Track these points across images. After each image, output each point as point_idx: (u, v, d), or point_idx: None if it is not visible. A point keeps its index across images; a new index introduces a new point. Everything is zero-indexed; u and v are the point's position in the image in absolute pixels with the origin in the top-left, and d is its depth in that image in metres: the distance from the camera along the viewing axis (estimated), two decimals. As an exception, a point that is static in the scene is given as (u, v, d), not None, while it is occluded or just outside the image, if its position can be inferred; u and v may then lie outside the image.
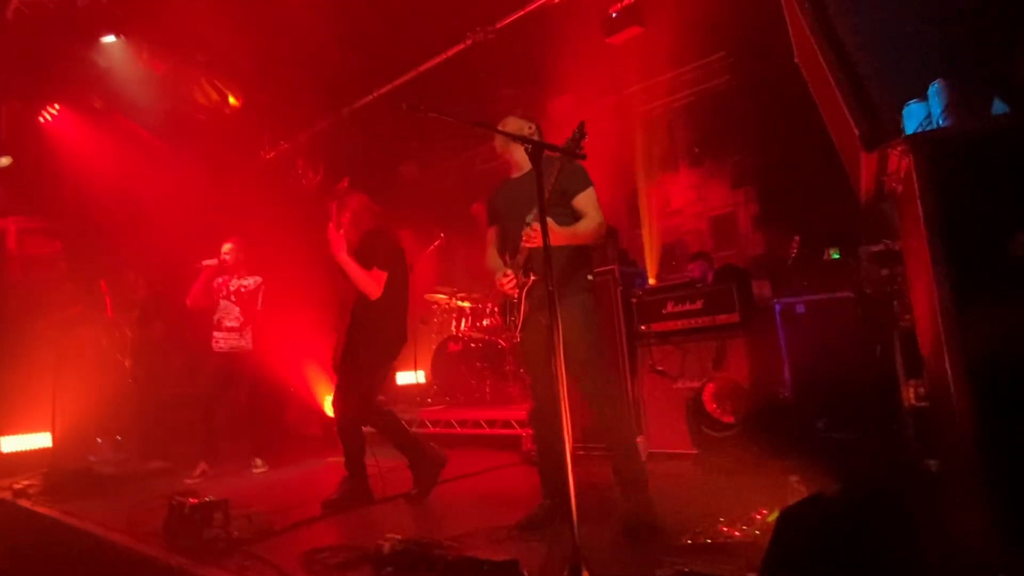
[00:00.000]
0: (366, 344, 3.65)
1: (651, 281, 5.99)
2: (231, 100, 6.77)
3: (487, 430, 5.33)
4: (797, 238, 4.64)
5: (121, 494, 4.51)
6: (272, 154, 8.07)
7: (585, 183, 2.79)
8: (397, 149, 8.06)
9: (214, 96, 6.66)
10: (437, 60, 6.23)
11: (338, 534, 3.13)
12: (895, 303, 2.63)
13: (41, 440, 5.98)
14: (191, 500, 2.94)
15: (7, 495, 4.68)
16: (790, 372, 4.02)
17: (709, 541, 2.36)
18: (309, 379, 6.92)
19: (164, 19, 5.75)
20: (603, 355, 2.85)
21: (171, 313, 6.36)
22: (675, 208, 7.01)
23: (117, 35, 5.95)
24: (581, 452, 4.20)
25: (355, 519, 3.36)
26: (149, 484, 4.80)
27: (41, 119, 6.73)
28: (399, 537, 2.36)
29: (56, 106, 6.71)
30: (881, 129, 1.93)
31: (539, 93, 6.03)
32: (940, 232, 1.58)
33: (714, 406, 3.79)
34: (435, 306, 6.81)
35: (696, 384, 3.99)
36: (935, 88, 1.88)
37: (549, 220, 2.54)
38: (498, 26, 5.73)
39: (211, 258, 5.06)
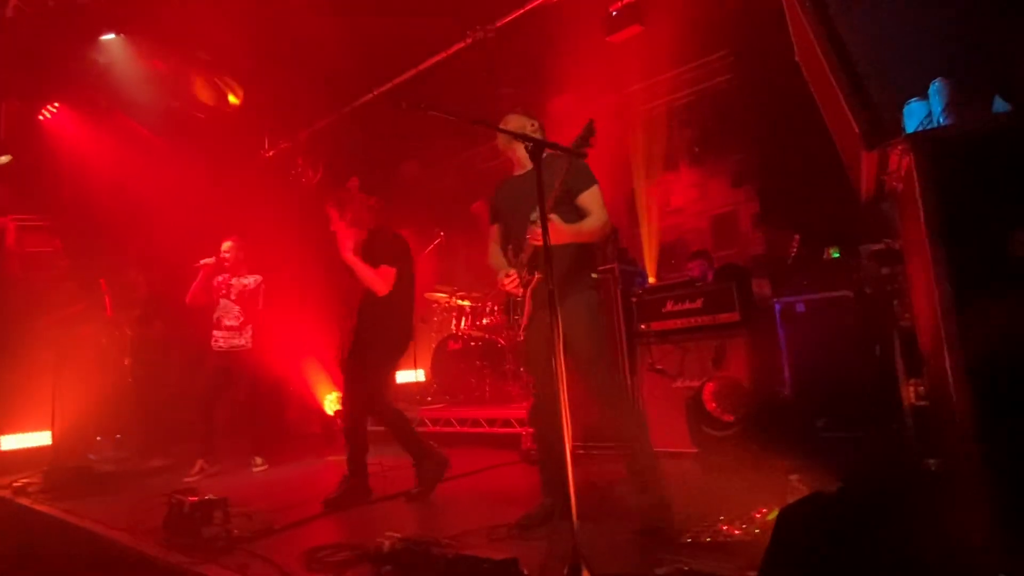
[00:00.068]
0: (374, 341, 3.67)
1: (651, 280, 5.98)
2: (231, 98, 6.77)
3: (487, 429, 5.33)
4: (797, 237, 4.65)
5: (121, 492, 4.51)
6: (272, 152, 8.07)
7: (589, 181, 2.79)
8: (397, 148, 8.05)
9: (214, 94, 6.66)
10: (437, 58, 6.22)
11: (338, 532, 3.14)
12: (895, 302, 2.63)
13: (41, 438, 5.98)
14: (191, 498, 2.94)
15: (7, 493, 4.69)
16: (790, 371, 4.02)
17: (709, 540, 2.36)
18: (309, 377, 6.93)
19: (164, 17, 5.74)
20: (611, 353, 2.84)
21: (171, 312, 6.36)
22: (675, 207, 7.01)
23: (117, 33, 5.95)
24: (581, 451, 4.20)
25: (355, 517, 3.36)
26: (149, 482, 4.81)
27: (41, 117, 6.72)
28: (399, 535, 2.36)
29: (56, 104, 6.71)
30: (882, 128, 1.92)
31: (539, 92, 6.02)
32: (940, 231, 1.58)
33: (714, 405, 3.79)
34: (435, 305, 6.82)
35: (696, 383, 3.99)
36: (936, 87, 1.88)
37: (555, 218, 2.55)
38: (498, 25, 5.72)
39: (209, 257, 5.06)
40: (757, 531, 2.34)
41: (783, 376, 4.03)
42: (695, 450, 3.81)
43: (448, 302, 6.61)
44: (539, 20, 5.51)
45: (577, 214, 2.77)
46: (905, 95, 1.96)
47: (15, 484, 4.76)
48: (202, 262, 5.05)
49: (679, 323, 4.23)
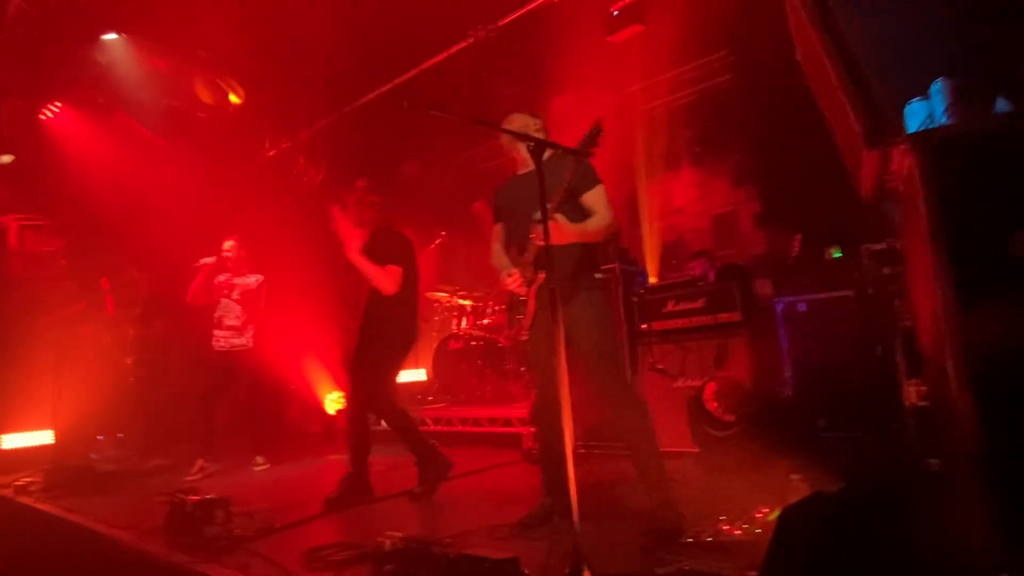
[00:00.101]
0: (381, 340, 3.68)
1: (652, 280, 5.98)
2: (232, 98, 6.77)
3: (488, 428, 5.33)
4: (798, 237, 4.64)
5: (122, 491, 4.52)
6: (273, 152, 8.07)
7: (594, 180, 2.78)
8: (398, 147, 8.05)
9: (215, 94, 6.66)
10: (439, 58, 6.22)
11: (339, 531, 3.14)
12: (896, 302, 2.63)
13: (43, 437, 6.00)
14: (192, 497, 2.95)
15: (9, 492, 4.70)
16: (791, 371, 4.02)
17: (710, 539, 2.36)
18: (310, 377, 6.93)
19: (165, 16, 5.74)
20: (617, 353, 2.82)
21: (173, 311, 6.36)
22: (676, 207, 7.01)
23: (118, 32, 5.96)
24: (582, 450, 4.20)
25: (356, 516, 3.36)
26: (150, 482, 4.82)
27: (42, 116, 6.73)
28: (400, 534, 2.35)
29: (57, 104, 6.72)
30: (883, 127, 1.92)
31: (540, 91, 6.03)
32: (942, 231, 1.58)
33: (715, 405, 3.79)
34: (436, 304, 6.82)
35: (697, 383, 3.99)
36: (937, 86, 1.88)
37: (561, 217, 2.55)
38: (500, 24, 5.72)
39: (210, 256, 5.06)
40: (758, 531, 2.34)
41: (784, 376, 4.03)
42: (696, 450, 3.81)
43: (449, 301, 6.62)
44: (541, 20, 5.51)
45: (582, 213, 2.76)
46: (907, 94, 1.96)
47: (17, 483, 4.77)
48: (202, 261, 5.05)
49: (680, 323, 4.23)
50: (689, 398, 3.90)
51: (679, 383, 4.18)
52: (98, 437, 6.15)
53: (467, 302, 6.47)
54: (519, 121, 2.90)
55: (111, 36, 5.95)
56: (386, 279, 3.60)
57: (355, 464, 3.64)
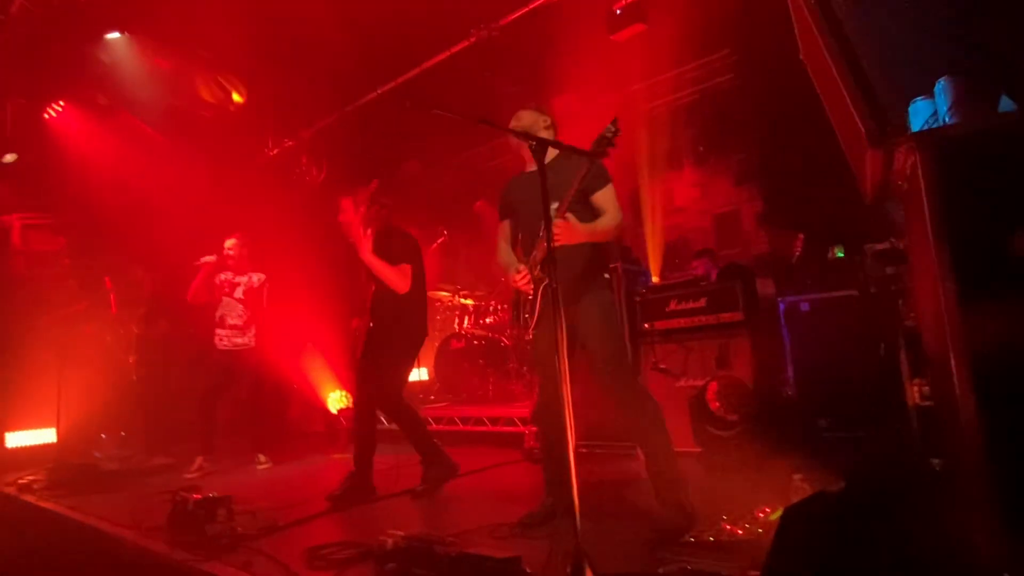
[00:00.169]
0: (391, 339, 3.70)
1: (654, 279, 5.98)
2: (235, 97, 6.78)
3: (490, 427, 5.34)
4: (801, 236, 4.64)
5: (125, 490, 4.53)
6: (276, 151, 8.09)
7: (604, 180, 2.76)
8: (400, 147, 8.06)
9: (218, 93, 6.67)
10: (441, 57, 6.22)
11: (342, 530, 3.14)
12: (899, 301, 2.63)
13: (46, 436, 6.01)
14: (195, 496, 2.95)
15: (12, 490, 4.71)
16: (794, 370, 4.02)
17: (712, 539, 2.36)
18: (312, 375, 6.94)
19: (168, 16, 5.76)
20: (625, 353, 2.81)
21: (176, 310, 6.37)
22: (679, 206, 7.01)
23: (122, 32, 5.97)
24: (584, 450, 4.20)
25: (359, 515, 3.37)
26: (153, 480, 4.83)
27: (46, 116, 6.75)
28: (402, 533, 2.36)
29: (61, 103, 6.73)
30: (887, 126, 1.92)
31: (541, 91, 6.02)
32: (945, 230, 1.58)
33: (717, 404, 3.78)
34: (438, 303, 6.83)
35: (699, 382, 3.98)
36: (941, 85, 1.87)
37: (571, 217, 2.54)
38: (502, 23, 5.72)
39: (210, 255, 5.06)
40: (760, 531, 2.34)
41: (787, 376, 4.03)
42: (698, 449, 3.81)
43: (451, 301, 6.62)
44: (543, 19, 5.51)
45: (592, 213, 2.75)
46: (910, 93, 1.96)
47: (20, 481, 4.78)
48: (202, 260, 5.04)
49: (683, 322, 4.23)
50: (691, 398, 3.89)
51: (681, 383, 4.18)
52: (101, 435, 6.17)
53: (469, 301, 6.47)
54: (528, 118, 2.88)
55: (114, 35, 5.97)
56: (400, 278, 3.63)
57: (359, 463, 3.64)
